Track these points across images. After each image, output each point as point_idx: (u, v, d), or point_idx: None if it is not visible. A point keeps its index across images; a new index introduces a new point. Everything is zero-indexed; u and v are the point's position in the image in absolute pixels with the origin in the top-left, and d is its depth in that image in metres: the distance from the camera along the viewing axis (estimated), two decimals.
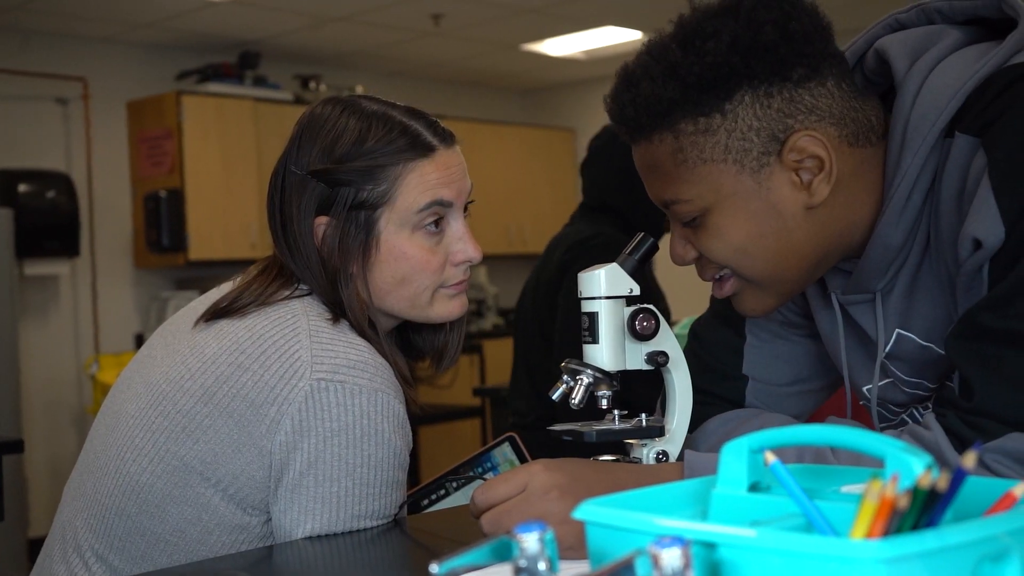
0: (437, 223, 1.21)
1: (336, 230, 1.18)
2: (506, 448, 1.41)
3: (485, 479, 1.29)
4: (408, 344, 1.32)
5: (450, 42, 5.92)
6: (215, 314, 1.19)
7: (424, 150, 1.20)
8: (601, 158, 2.56)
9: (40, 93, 5.25)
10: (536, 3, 5.24)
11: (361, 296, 1.20)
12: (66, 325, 5.29)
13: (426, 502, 1.39)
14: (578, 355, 1.13)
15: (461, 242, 1.23)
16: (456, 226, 1.23)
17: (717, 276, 1.08)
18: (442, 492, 1.40)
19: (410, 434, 1.18)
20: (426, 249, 1.20)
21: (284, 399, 1.10)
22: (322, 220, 1.19)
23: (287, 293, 1.20)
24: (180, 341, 1.20)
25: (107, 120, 5.46)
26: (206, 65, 5.54)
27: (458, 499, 1.39)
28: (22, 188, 4.84)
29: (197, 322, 1.20)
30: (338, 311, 1.19)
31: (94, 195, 5.38)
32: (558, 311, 2.44)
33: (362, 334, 1.18)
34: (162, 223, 5.17)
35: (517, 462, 1.40)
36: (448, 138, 1.24)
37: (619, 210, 2.47)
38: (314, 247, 1.19)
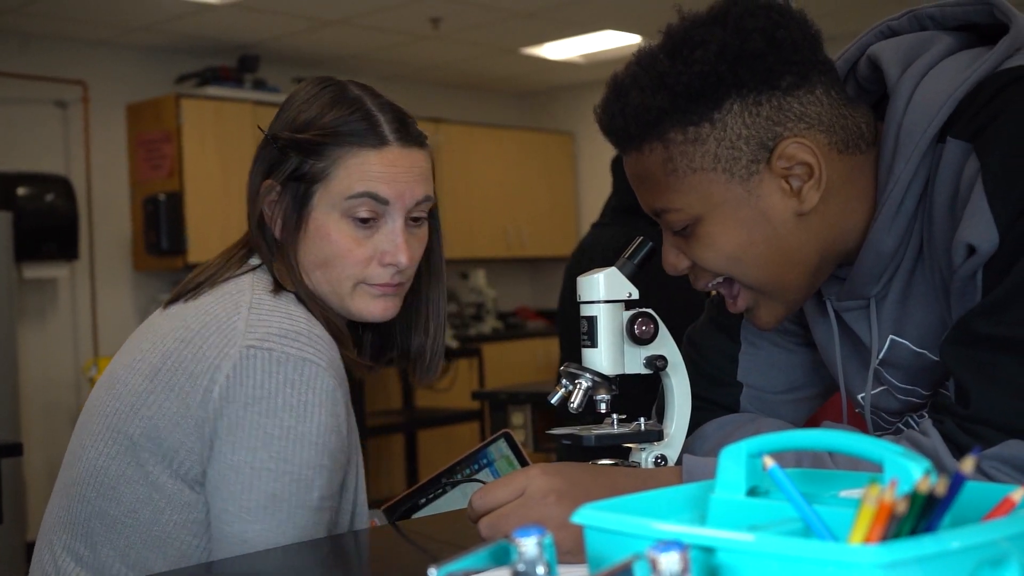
0: (367, 220, 1.19)
1: (277, 196, 1.21)
2: (501, 444, 1.42)
3: (483, 482, 1.29)
4: (390, 348, 1.33)
5: (449, 45, 5.93)
6: (173, 298, 1.23)
7: (375, 141, 1.19)
8: None
9: (39, 96, 5.25)
10: (535, 7, 5.24)
11: (287, 272, 1.20)
12: (65, 328, 5.29)
13: (424, 501, 1.39)
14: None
15: (392, 244, 1.20)
16: (392, 228, 1.20)
17: (711, 285, 1.08)
18: (439, 491, 1.40)
19: (342, 416, 1.14)
20: (350, 238, 1.19)
21: (216, 367, 1.11)
22: (268, 183, 1.21)
23: (239, 270, 1.22)
24: (142, 329, 1.25)
25: (106, 123, 5.46)
26: (205, 68, 5.54)
27: (455, 497, 1.39)
28: (21, 191, 4.83)
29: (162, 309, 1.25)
30: (278, 280, 1.20)
31: (93, 198, 5.38)
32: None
33: (303, 304, 1.19)
34: (161, 226, 5.16)
35: (513, 458, 1.40)
36: (411, 139, 1.22)
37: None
38: (259, 209, 1.22)
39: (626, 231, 2.43)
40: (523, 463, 1.40)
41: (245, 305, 1.15)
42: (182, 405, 1.12)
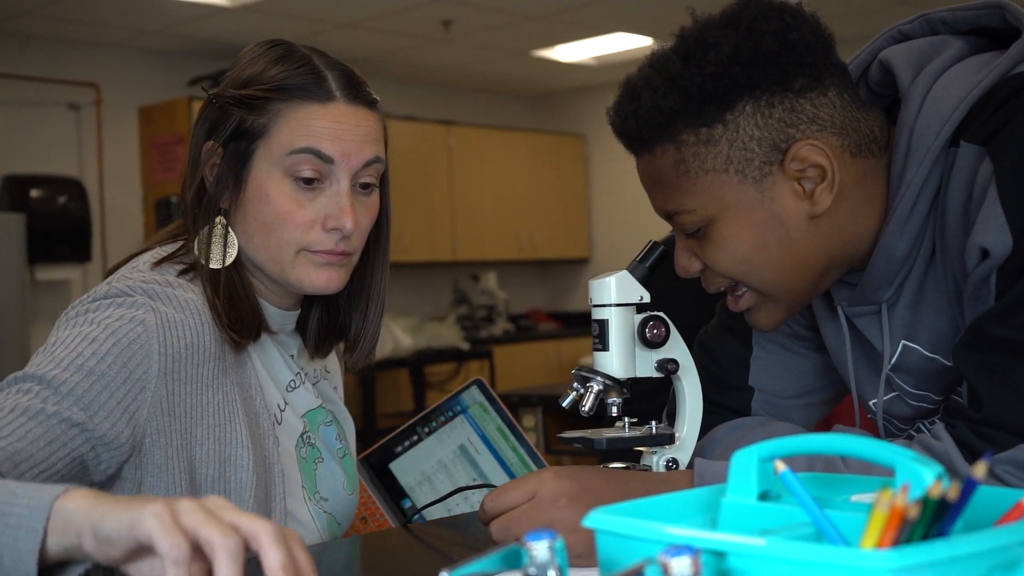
0: (311, 181, 1.11)
1: (217, 157, 1.13)
2: (474, 391, 1.43)
3: (493, 486, 1.29)
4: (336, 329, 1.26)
5: (460, 48, 5.94)
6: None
7: (321, 96, 1.11)
8: None
9: (52, 99, 5.28)
10: (546, 9, 5.25)
11: (218, 241, 1.13)
12: None
13: (399, 449, 1.41)
14: None
15: (336, 207, 1.11)
16: (338, 190, 1.12)
17: (723, 288, 1.08)
18: (415, 438, 1.42)
19: (149, 356, 1.03)
20: (292, 199, 1.11)
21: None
22: (209, 144, 1.14)
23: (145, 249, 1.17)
24: None
25: (119, 126, 5.49)
26: (217, 71, 5.55)
27: (431, 445, 1.41)
28: (34, 193, 4.87)
29: None
30: (181, 253, 1.14)
31: (106, 200, 5.41)
32: None
33: (198, 274, 1.12)
34: None
35: (487, 403, 1.41)
36: (360, 97, 1.13)
37: None
38: (200, 173, 1.14)
39: None
40: (498, 409, 1.41)
41: (117, 275, 1.11)
42: None
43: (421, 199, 6.19)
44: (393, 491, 1.40)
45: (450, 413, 1.43)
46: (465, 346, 5.83)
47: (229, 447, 1.09)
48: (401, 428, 1.42)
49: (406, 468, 1.40)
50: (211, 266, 1.12)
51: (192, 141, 1.17)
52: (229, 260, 1.13)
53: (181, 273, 1.12)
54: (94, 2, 4.77)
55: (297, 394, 1.21)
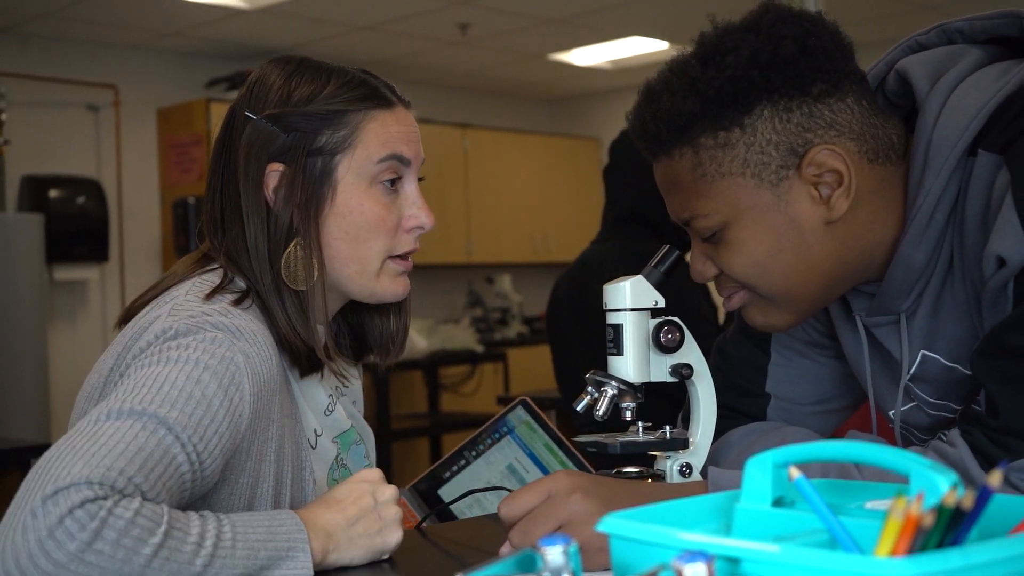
0: (394, 182, 1.14)
1: (290, 178, 1.10)
2: (520, 411, 1.42)
3: (509, 490, 1.30)
4: (356, 340, 1.26)
5: (477, 51, 5.95)
6: (124, 318, 1.14)
7: (384, 102, 1.15)
8: (627, 164, 2.51)
9: (72, 100, 5.32)
10: (563, 13, 5.25)
11: (304, 262, 1.10)
12: (95, 330, 5.35)
13: (447, 475, 1.40)
14: None
15: (415, 207, 1.15)
16: (411, 189, 1.16)
17: (735, 293, 1.08)
18: (462, 462, 1.41)
19: (237, 401, 1.00)
20: (382, 205, 1.13)
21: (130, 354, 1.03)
22: (275, 167, 1.11)
23: (184, 277, 1.13)
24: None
25: (137, 127, 5.53)
26: (235, 73, 5.59)
27: (479, 467, 1.40)
28: (53, 194, 4.90)
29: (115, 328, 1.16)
30: (238, 279, 1.11)
31: (124, 201, 5.45)
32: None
33: (256, 304, 1.09)
34: (190, 229, 5.21)
35: (533, 423, 1.41)
36: (405, 101, 1.18)
37: (652, 222, 2.42)
38: (262, 198, 1.11)
39: (624, 244, 2.41)
40: (544, 426, 1.41)
41: (167, 309, 1.06)
42: None
43: (436, 201, 6.18)
44: (443, 517, 1.39)
45: (496, 435, 1.42)
46: (479, 348, 5.83)
47: (282, 485, 1.10)
48: (449, 454, 1.42)
49: (455, 493, 1.38)
50: (298, 288, 1.10)
51: (247, 165, 1.12)
52: (312, 282, 1.11)
53: (235, 303, 1.09)
54: (113, 4, 4.80)
55: (332, 418, 1.21)
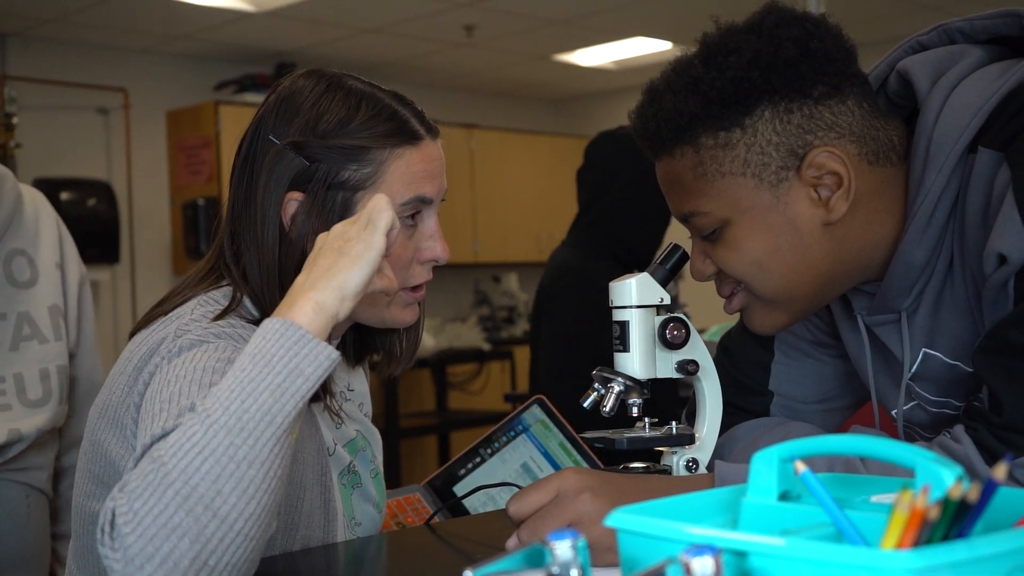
0: (413, 216, 1.13)
1: (308, 208, 1.09)
2: (535, 410, 1.43)
3: (519, 486, 1.30)
4: (357, 340, 1.25)
5: (482, 53, 5.95)
6: (137, 328, 1.14)
7: (411, 138, 1.12)
8: (600, 169, 2.53)
9: (82, 103, 5.35)
10: (567, 14, 5.25)
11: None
12: (106, 331, 5.37)
13: (463, 472, 1.41)
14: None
15: (432, 240, 1.14)
16: (430, 223, 1.14)
17: (731, 293, 1.09)
18: (477, 460, 1.42)
19: None
20: (399, 243, 1.11)
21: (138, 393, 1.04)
22: (295, 195, 1.10)
23: (190, 294, 1.13)
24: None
25: (147, 130, 5.55)
26: (243, 76, 5.61)
27: (493, 465, 1.41)
28: (64, 196, 4.92)
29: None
30: (249, 297, 1.10)
31: (134, 203, 5.47)
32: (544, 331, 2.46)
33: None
34: (200, 230, 5.23)
35: (548, 421, 1.41)
36: (434, 130, 1.16)
37: (619, 237, 2.42)
38: (278, 224, 1.10)
39: (584, 260, 2.44)
40: (559, 425, 1.41)
41: (172, 330, 1.06)
42: (121, 436, 1.08)
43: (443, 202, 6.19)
44: (457, 513, 1.40)
45: (512, 433, 1.43)
46: (486, 347, 5.84)
47: (301, 489, 1.10)
48: (464, 451, 1.43)
49: (470, 489, 1.39)
50: None
51: (267, 189, 1.10)
52: None
53: (248, 323, 1.09)
54: (122, 9, 4.82)
55: (343, 428, 1.21)
